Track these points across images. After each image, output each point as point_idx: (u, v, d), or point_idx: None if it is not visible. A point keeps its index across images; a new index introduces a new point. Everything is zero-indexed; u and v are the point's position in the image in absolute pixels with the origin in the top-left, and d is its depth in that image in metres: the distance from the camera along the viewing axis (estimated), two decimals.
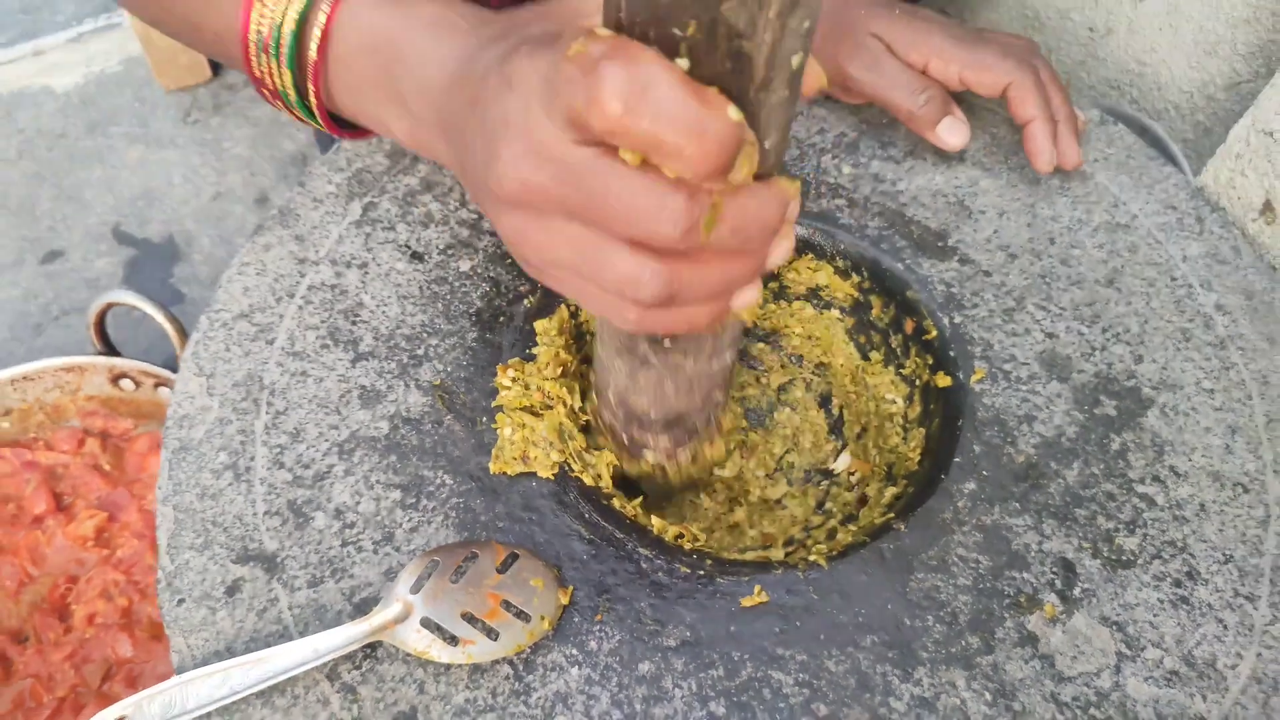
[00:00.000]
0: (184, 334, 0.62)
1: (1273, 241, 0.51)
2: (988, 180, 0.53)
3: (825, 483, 0.50)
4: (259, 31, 0.36)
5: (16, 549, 0.63)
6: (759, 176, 0.27)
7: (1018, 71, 0.49)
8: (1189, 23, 0.61)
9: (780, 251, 0.30)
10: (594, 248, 0.27)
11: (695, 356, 0.37)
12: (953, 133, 0.51)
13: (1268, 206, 0.51)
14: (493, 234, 0.51)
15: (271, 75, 0.38)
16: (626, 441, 0.43)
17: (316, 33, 0.36)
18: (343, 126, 0.41)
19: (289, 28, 0.36)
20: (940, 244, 0.50)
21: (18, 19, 0.95)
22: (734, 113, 0.25)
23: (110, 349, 0.63)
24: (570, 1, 0.38)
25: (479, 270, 0.50)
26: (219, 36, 0.39)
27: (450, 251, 0.50)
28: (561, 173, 0.26)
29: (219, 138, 0.86)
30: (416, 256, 0.50)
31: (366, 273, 0.49)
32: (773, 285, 0.53)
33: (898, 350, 0.50)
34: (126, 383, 0.63)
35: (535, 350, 0.46)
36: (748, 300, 0.30)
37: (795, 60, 0.26)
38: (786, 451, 0.51)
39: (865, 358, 0.51)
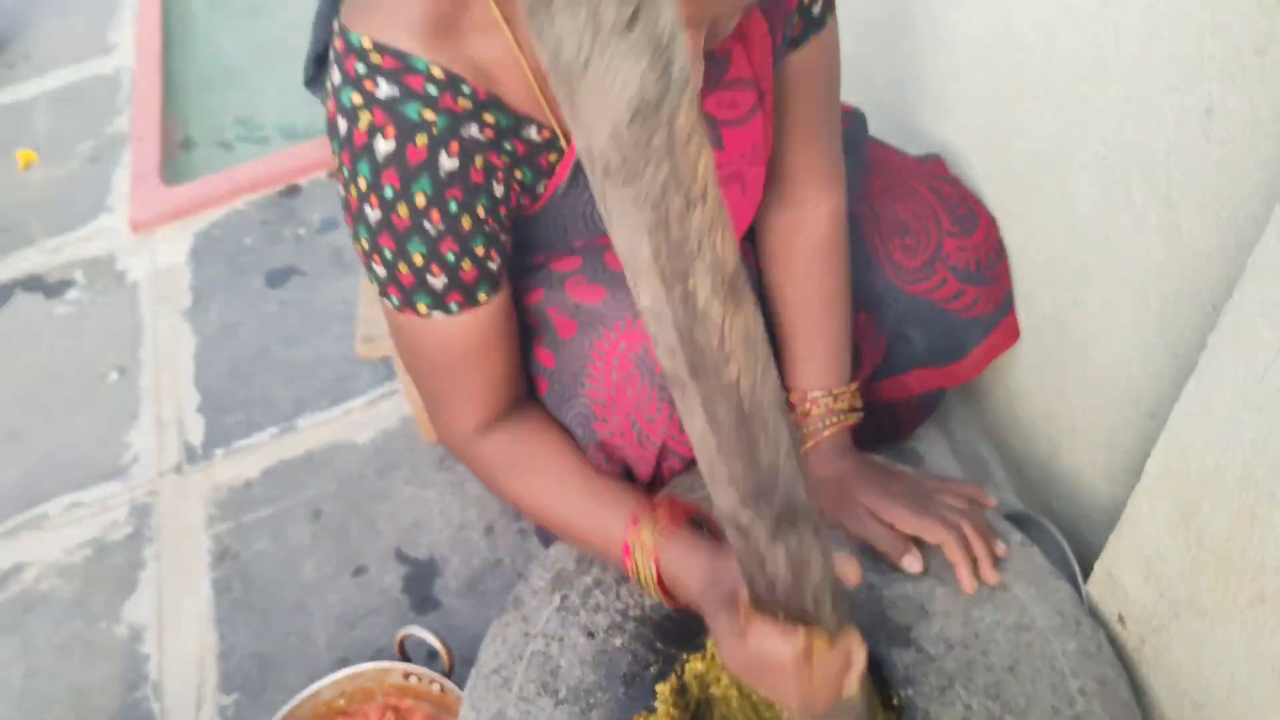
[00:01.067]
0: (449, 649, 1.00)
1: (1127, 640, 0.79)
2: (941, 589, 0.84)
3: None
4: (634, 570, 0.75)
5: None
6: None
7: (949, 535, 0.81)
8: (1112, 453, 0.91)
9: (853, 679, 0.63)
10: (760, 682, 0.62)
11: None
12: (910, 564, 0.83)
13: (1120, 619, 0.79)
14: (634, 618, 0.86)
15: (637, 577, 0.76)
16: None
17: (654, 568, 0.74)
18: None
19: (646, 572, 0.74)
20: (905, 636, 0.82)
21: (332, 388, 1.44)
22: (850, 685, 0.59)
23: (405, 657, 1.03)
24: (733, 567, 0.72)
25: (625, 644, 0.85)
26: (607, 560, 0.78)
27: (610, 630, 0.86)
28: (737, 665, 0.62)
29: (461, 480, 1.28)
30: (590, 635, 0.86)
31: (562, 644, 0.86)
32: None
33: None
34: (413, 679, 1.02)
35: (656, 704, 0.80)
36: (850, 691, 0.64)
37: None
38: None
39: None
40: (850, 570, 0.66)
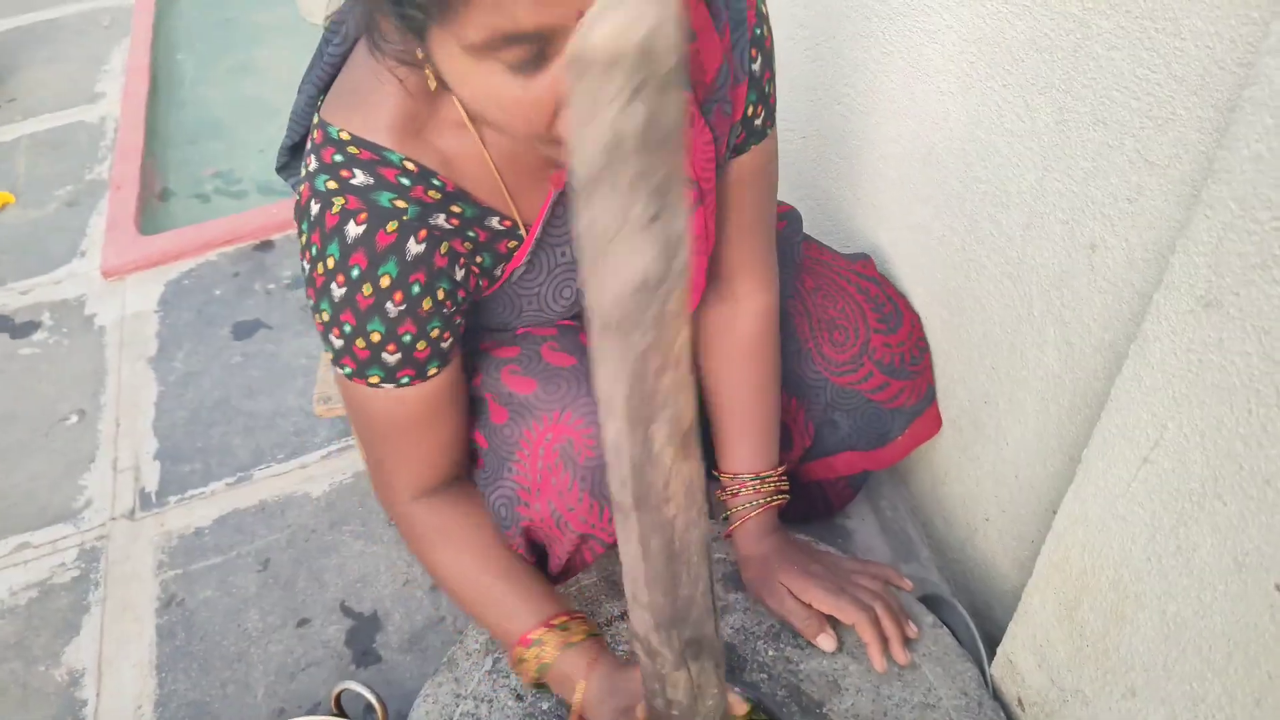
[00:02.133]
0: (384, 705, 1.03)
1: None
2: (854, 665, 0.89)
3: None
4: (521, 661, 0.80)
5: None
6: None
7: (861, 616, 0.86)
8: (1020, 542, 0.97)
9: None
10: None
11: None
12: (825, 642, 0.88)
13: (1020, 702, 0.85)
14: (559, 699, 0.90)
15: (519, 665, 0.80)
16: None
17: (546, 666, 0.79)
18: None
19: (535, 669, 0.79)
20: (818, 710, 0.86)
21: (289, 440, 1.47)
22: None
23: (341, 711, 1.05)
24: (636, 680, 0.76)
25: (552, 708, 0.88)
26: (497, 637, 0.83)
27: (538, 695, 0.90)
28: None
29: None
30: (519, 697, 0.90)
31: (491, 705, 0.89)
32: None
33: None
34: None
35: None
36: None
37: None
38: None
39: None
40: (738, 707, 0.72)
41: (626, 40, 0.33)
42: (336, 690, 1.04)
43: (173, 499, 1.40)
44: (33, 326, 1.72)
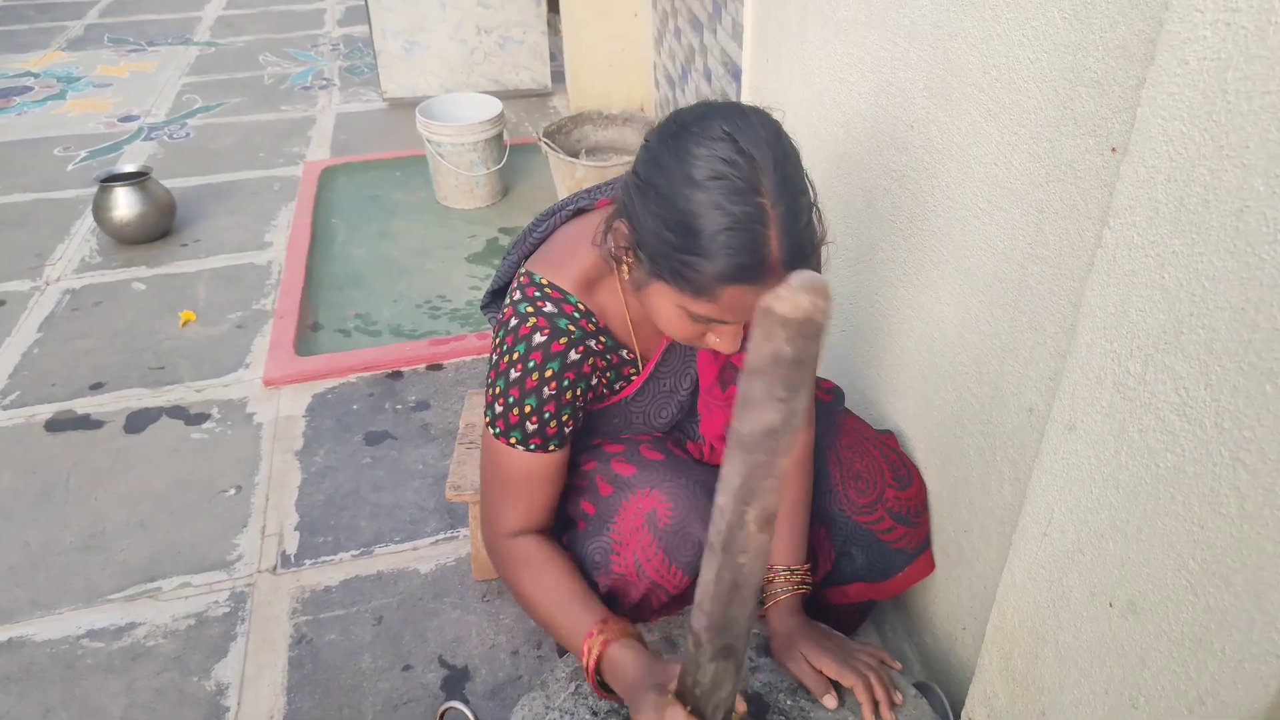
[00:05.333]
0: None
1: None
2: (852, 717, 1.16)
3: None
4: (585, 656, 1.09)
5: None
6: None
7: (858, 681, 1.14)
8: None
9: None
10: None
11: None
12: (828, 701, 1.14)
13: None
14: (625, 716, 1.18)
15: (586, 664, 1.09)
16: None
17: (598, 652, 1.07)
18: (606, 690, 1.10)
19: (592, 660, 1.08)
20: None
21: (405, 527, 1.80)
22: None
23: None
24: (672, 668, 1.05)
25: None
26: (566, 640, 1.12)
27: (609, 713, 1.17)
28: None
29: (498, 611, 1.61)
30: (594, 713, 1.17)
31: (573, 717, 1.17)
32: None
33: None
34: None
35: None
36: None
37: None
38: None
39: None
40: (740, 706, 1.00)
41: (799, 311, 0.68)
42: (442, 709, 1.32)
43: (308, 562, 1.72)
44: (204, 417, 2.11)
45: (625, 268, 1.02)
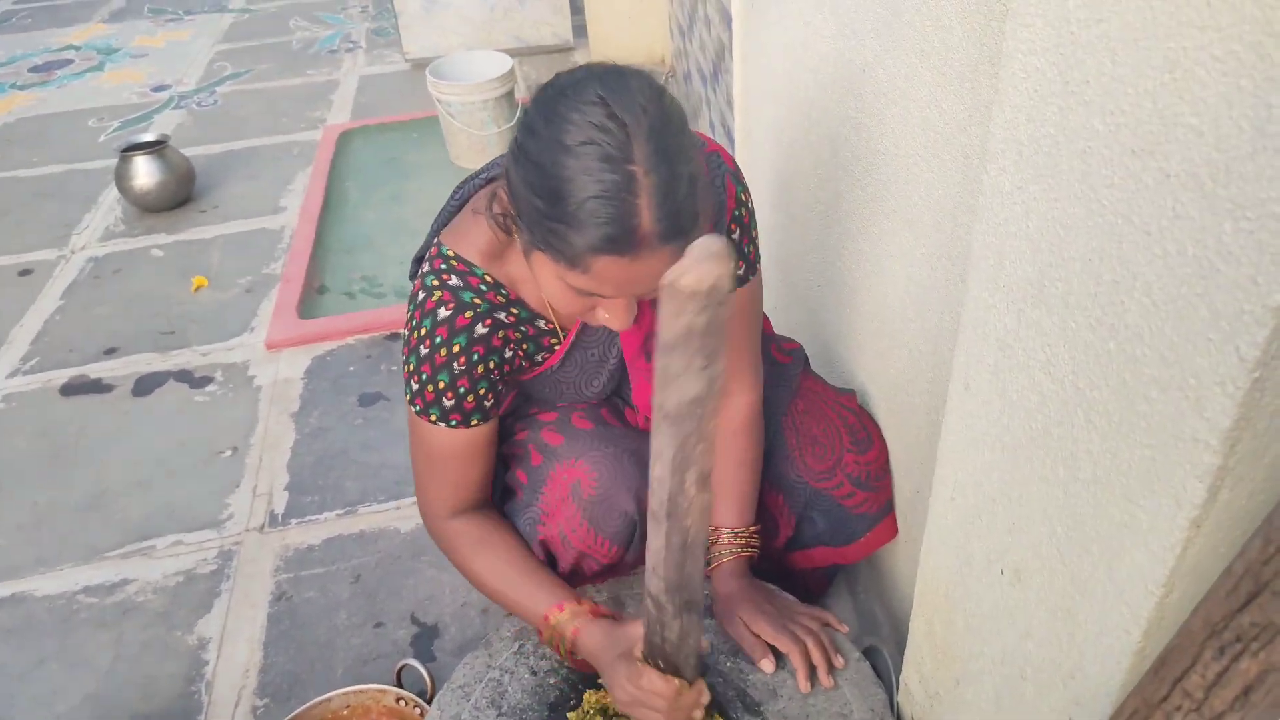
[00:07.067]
0: (435, 684, 1.32)
1: None
2: (791, 681, 1.14)
3: None
4: (548, 634, 1.09)
5: None
6: None
7: (793, 646, 1.12)
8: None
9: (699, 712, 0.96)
10: (639, 712, 0.95)
11: None
12: (765, 665, 1.13)
13: None
14: (567, 668, 1.18)
15: (549, 640, 1.09)
16: None
17: (569, 637, 1.07)
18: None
19: (558, 637, 1.08)
20: (756, 708, 1.11)
21: (390, 487, 1.82)
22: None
23: (400, 684, 1.34)
24: (633, 630, 1.04)
25: (558, 683, 1.16)
26: (523, 618, 1.13)
27: (548, 673, 1.18)
28: (627, 698, 0.95)
29: None
30: (534, 673, 1.18)
31: (513, 675, 1.17)
32: None
33: None
34: (403, 703, 1.33)
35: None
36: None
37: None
38: None
39: None
40: (705, 647, 0.99)
41: (704, 283, 0.67)
42: (398, 666, 1.34)
43: (294, 521, 1.76)
44: (207, 380, 2.16)
45: (516, 240, 1.00)
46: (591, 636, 1.07)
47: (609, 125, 0.83)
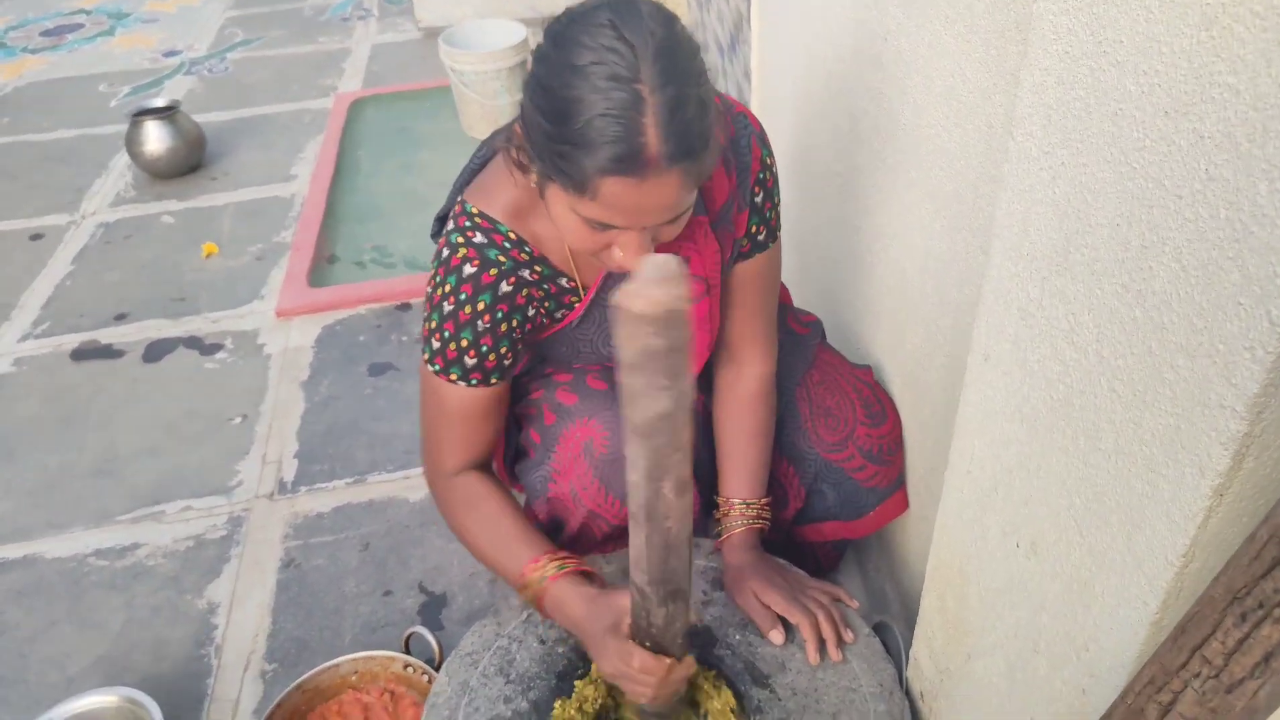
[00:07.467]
0: (443, 651, 1.33)
1: (925, 712, 1.07)
2: (800, 654, 1.14)
3: None
4: (526, 589, 1.09)
5: None
6: None
7: (804, 619, 1.11)
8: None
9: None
10: (627, 685, 0.94)
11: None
12: (774, 636, 1.12)
13: (921, 696, 1.07)
14: (573, 645, 1.18)
15: (526, 593, 1.09)
16: None
17: (548, 588, 1.07)
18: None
19: (533, 593, 1.08)
20: (765, 680, 1.11)
21: (399, 457, 1.82)
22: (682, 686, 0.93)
23: (408, 651, 1.35)
24: (620, 602, 1.04)
25: (565, 653, 1.16)
26: (505, 577, 1.12)
27: (556, 642, 1.18)
28: (615, 673, 0.94)
29: None
30: (542, 641, 1.18)
31: (521, 644, 1.17)
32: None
33: None
34: (410, 670, 1.33)
35: (575, 693, 1.10)
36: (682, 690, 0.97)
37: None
38: None
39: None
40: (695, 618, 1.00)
41: (657, 308, 0.64)
42: (406, 634, 1.35)
43: (303, 489, 1.76)
44: (217, 348, 2.16)
45: (533, 179, 0.99)
46: (574, 604, 1.05)
47: (617, 46, 0.83)
